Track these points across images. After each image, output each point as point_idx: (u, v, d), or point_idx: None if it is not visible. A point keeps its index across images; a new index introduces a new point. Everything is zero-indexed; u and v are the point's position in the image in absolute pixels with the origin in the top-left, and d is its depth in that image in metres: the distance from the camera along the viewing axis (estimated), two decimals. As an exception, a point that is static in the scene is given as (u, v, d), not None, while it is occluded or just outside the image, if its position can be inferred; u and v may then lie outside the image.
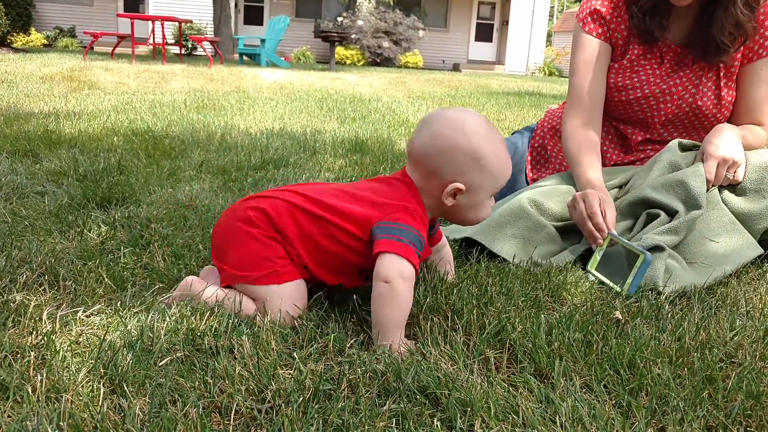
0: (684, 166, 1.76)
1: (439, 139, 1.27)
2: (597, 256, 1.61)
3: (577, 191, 1.81)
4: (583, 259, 1.70)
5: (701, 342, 1.20)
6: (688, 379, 1.06)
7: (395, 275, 1.15)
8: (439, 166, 1.27)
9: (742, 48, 1.84)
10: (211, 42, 13.44)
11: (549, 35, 29.99)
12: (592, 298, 1.42)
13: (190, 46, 17.67)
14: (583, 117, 1.94)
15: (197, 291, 1.27)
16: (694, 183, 1.66)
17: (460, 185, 1.27)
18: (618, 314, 1.29)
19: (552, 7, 34.83)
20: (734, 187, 1.74)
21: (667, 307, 1.37)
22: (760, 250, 1.66)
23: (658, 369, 1.08)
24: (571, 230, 1.77)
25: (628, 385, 1.04)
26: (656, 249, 1.55)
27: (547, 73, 23.40)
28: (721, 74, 1.88)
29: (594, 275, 1.58)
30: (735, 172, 1.72)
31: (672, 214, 1.66)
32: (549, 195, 1.79)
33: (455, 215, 1.34)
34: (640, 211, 1.74)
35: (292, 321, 1.22)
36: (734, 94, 1.91)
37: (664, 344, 1.18)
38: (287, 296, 1.23)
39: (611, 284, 1.51)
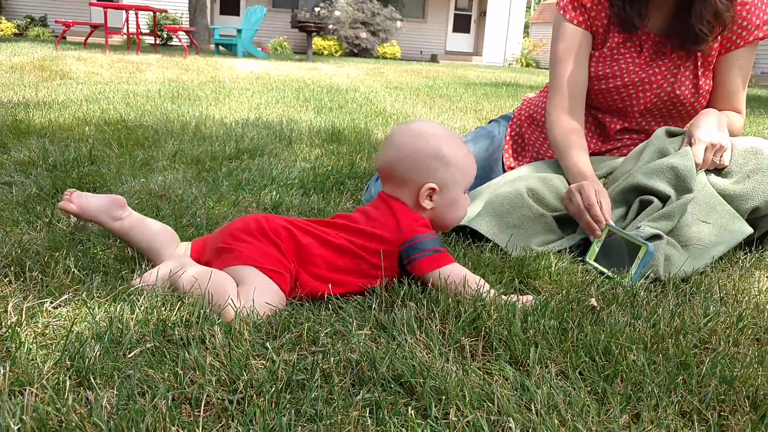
0: (672, 151, 1.77)
1: (401, 148, 1.38)
2: (595, 248, 1.61)
3: (568, 182, 1.81)
4: (579, 248, 1.70)
5: (676, 328, 1.20)
6: (663, 365, 1.06)
7: (460, 277, 1.29)
8: (408, 173, 1.37)
9: (719, 38, 1.86)
10: (187, 32, 13.27)
11: (526, 26, 30.06)
12: (567, 285, 1.42)
13: (165, 36, 17.41)
14: (567, 106, 1.93)
15: (168, 271, 1.26)
16: (684, 167, 1.67)
17: (433, 184, 1.36)
18: (593, 301, 1.29)
19: (529, -1, 34.90)
20: (719, 171, 1.76)
21: (642, 293, 1.37)
22: (749, 230, 1.67)
23: (633, 355, 1.08)
24: (566, 220, 1.77)
25: (604, 372, 1.04)
26: (654, 238, 1.56)
27: (524, 64, 23.47)
28: (699, 63, 1.89)
29: (593, 266, 1.58)
30: (721, 156, 1.74)
31: (664, 199, 1.67)
32: (545, 186, 1.80)
33: (435, 219, 1.41)
34: (633, 198, 1.75)
35: (265, 311, 1.20)
36: (711, 83, 1.93)
37: (639, 331, 1.18)
38: (271, 290, 1.22)
39: (612, 275, 1.51)
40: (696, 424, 0.92)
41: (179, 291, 1.23)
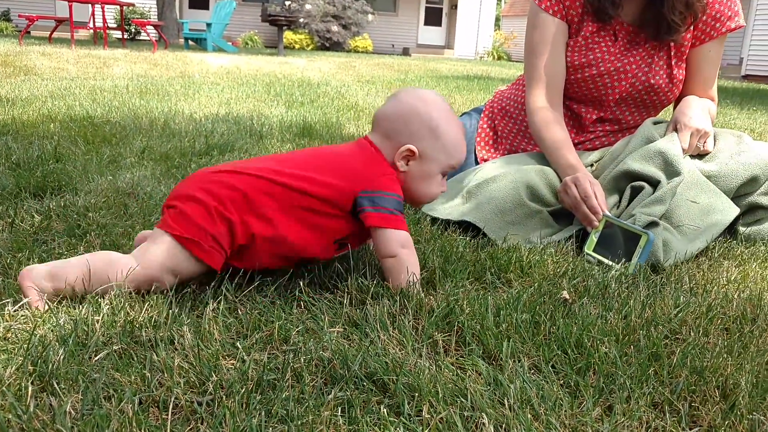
0: (658, 137, 1.82)
1: (401, 104, 1.36)
2: (593, 238, 1.63)
3: (559, 175, 1.83)
4: (577, 238, 1.73)
5: (647, 319, 1.21)
6: (635, 356, 1.07)
7: (398, 248, 1.27)
8: (396, 128, 1.34)
9: (692, 30, 1.90)
10: (155, 26, 13.07)
11: (497, 19, 30.19)
12: (539, 278, 1.42)
13: (133, 30, 17.15)
14: (548, 97, 1.94)
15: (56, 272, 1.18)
16: (671, 151, 1.73)
17: (413, 147, 1.33)
18: (565, 294, 1.30)
19: (500, -8, 35.05)
20: (702, 157, 1.83)
21: (613, 285, 1.38)
22: (736, 209, 1.72)
23: (605, 348, 1.09)
24: (561, 213, 1.80)
25: (576, 365, 1.04)
26: (651, 225, 1.60)
27: (496, 57, 23.58)
28: (672, 53, 1.93)
29: (593, 256, 1.60)
30: (705, 142, 1.81)
31: (654, 184, 1.72)
32: (542, 179, 1.81)
33: (407, 186, 1.36)
34: (624, 185, 1.78)
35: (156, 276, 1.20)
36: (684, 72, 1.97)
37: (610, 323, 1.18)
38: (180, 264, 1.21)
39: (612, 264, 1.53)
40: (667, 415, 0.93)
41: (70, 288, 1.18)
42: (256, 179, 1.26)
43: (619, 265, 1.51)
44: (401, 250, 1.27)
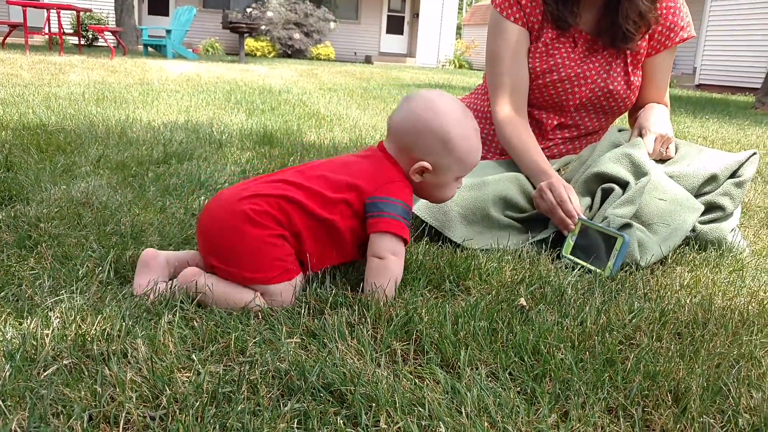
0: (624, 142, 1.90)
1: (414, 118, 1.35)
2: (570, 242, 1.67)
3: (531, 181, 1.86)
4: (547, 243, 1.76)
5: (602, 325, 1.22)
6: (590, 362, 1.08)
7: (388, 253, 1.29)
8: (410, 143, 1.35)
9: (649, 40, 1.99)
10: (113, 32, 12.85)
11: (459, 28, 30.48)
12: (497, 285, 1.43)
13: (90, 36, 16.83)
14: (513, 104, 1.98)
15: (201, 284, 1.23)
16: (638, 154, 1.81)
17: (427, 165, 1.35)
18: (523, 301, 1.31)
19: (461, 1, 35.45)
20: (664, 161, 1.91)
21: (569, 291, 1.40)
22: (701, 206, 1.78)
23: (561, 354, 1.10)
24: (535, 219, 1.83)
25: (533, 372, 1.05)
26: (625, 227, 1.64)
27: (457, 65, 23.80)
28: (629, 61, 2.00)
29: (570, 260, 1.63)
30: (668, 148, 1.90)
31: (624, 185, 1.77)
32: (517, 186, 1.83)
33: (421, 191, 1.43)
34: (595, 187, 1.83)
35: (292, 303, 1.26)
36: (640, 79, 2.05)
37: (567, 329, 1.20)
38: (295, 289, 1.27)
39: (591, 267, 1.57)
40: (621, 420, 0.94)
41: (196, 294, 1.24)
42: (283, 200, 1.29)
43: (600, 269, 1.56)
44: (391, 257, 1.30)
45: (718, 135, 5.07)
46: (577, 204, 1.72)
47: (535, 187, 1.83)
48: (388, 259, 1.29)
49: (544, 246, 1.73)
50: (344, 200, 1.29)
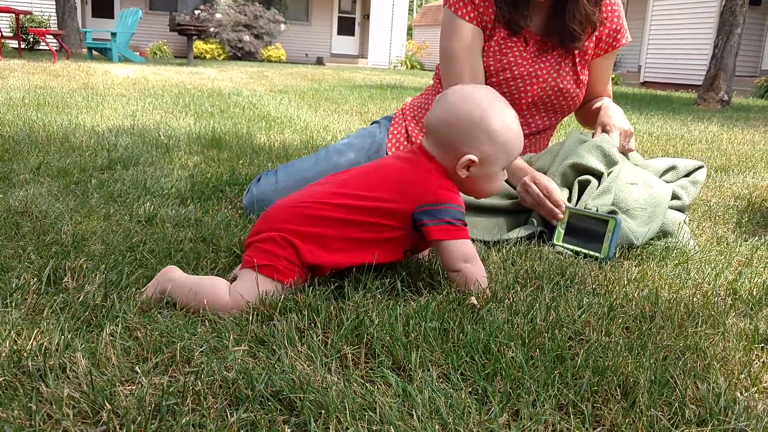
0: (589, 139, 1.99)
1: (454, 112, 1.35)
2: (560, 230, 1.72)
3: (508, 180, 1.89)
4: (532, 237, 1.80)
5: (552, 322, 1.23)
6: (540, 359, 1.08)
7: (460, 263, 1.32)
8: (453, 138, 1.35)
9: (597, 43, 2.08)
10: (55, 35, 12.51)
11: (409, 29, 30.62)
12: (447, 284, 1.43)
13: (31, 40, 16.33)
14: None
15: (176, 278, 1.28)
16: (606, 145, 1.93)
17: (474, 157, 1.35)
18: (473, 300, 1.30)
19: (411, 2, 35.63)
20: (626, 154, 2.03)
21: (519, 289, 1.40)
22: (670, 187, 1.90)
23: (512, 352, 1.09)
24: (514, 211, 1.89)
25: (484, 371, 1.04)
26: (611, 213, 1.72)
27: (409, 66, 23.90)
28: (577, 60, 2.08)
29: (563, 247, 1.69)
30: (629, 141, 2.02)
31: (598, 176, 1.86)
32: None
33: (469, 187, 1.42)
34: (572, 179, 1.90)
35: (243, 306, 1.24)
36: (587, 77, 2.14)
37: (517, 327, 1.20)
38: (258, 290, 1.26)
39: (586, 251, 1.64)
40: (572, 417, 0.94)
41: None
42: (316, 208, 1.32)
43: (594, 252, 1.64)
44: (464, 264, 1.32)
45: (663, 131, 5.19)
46: (559, 195, 1.78)
47: (511, 185, 1.89)
48: (463, 269, 1.32)
49: (495, 243, 1.75)
50: (388, 214, 1.33)
